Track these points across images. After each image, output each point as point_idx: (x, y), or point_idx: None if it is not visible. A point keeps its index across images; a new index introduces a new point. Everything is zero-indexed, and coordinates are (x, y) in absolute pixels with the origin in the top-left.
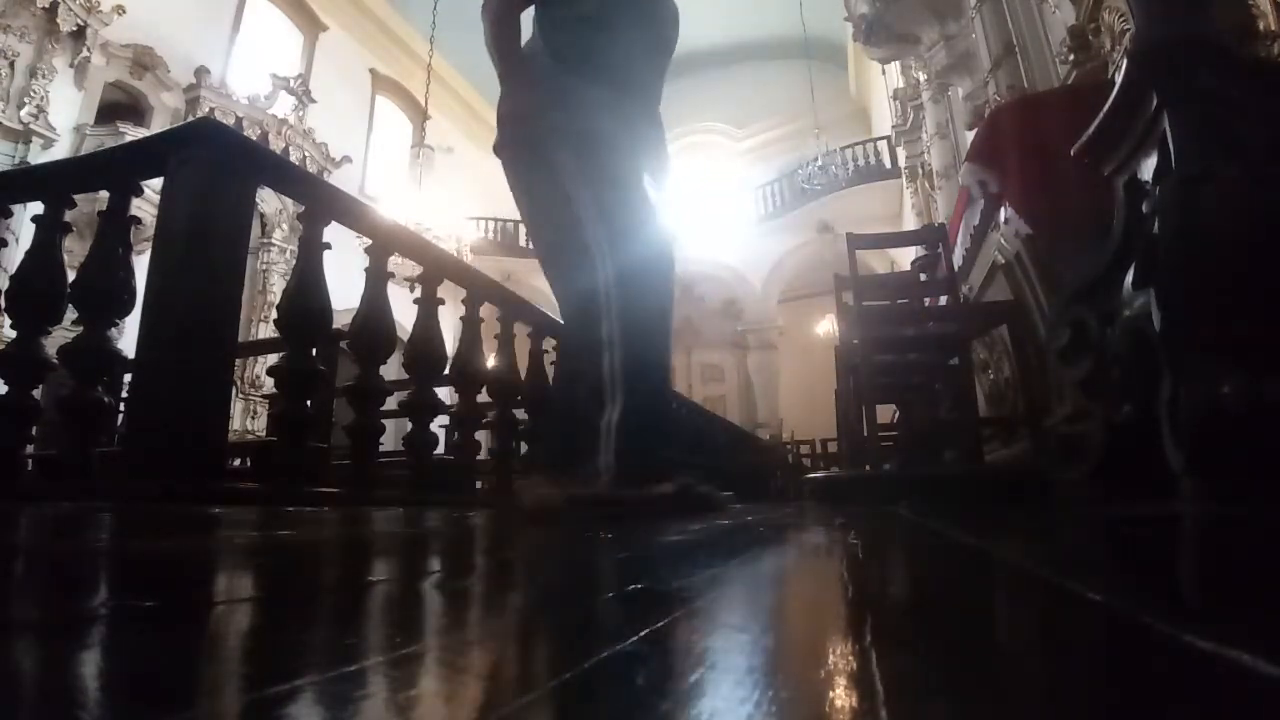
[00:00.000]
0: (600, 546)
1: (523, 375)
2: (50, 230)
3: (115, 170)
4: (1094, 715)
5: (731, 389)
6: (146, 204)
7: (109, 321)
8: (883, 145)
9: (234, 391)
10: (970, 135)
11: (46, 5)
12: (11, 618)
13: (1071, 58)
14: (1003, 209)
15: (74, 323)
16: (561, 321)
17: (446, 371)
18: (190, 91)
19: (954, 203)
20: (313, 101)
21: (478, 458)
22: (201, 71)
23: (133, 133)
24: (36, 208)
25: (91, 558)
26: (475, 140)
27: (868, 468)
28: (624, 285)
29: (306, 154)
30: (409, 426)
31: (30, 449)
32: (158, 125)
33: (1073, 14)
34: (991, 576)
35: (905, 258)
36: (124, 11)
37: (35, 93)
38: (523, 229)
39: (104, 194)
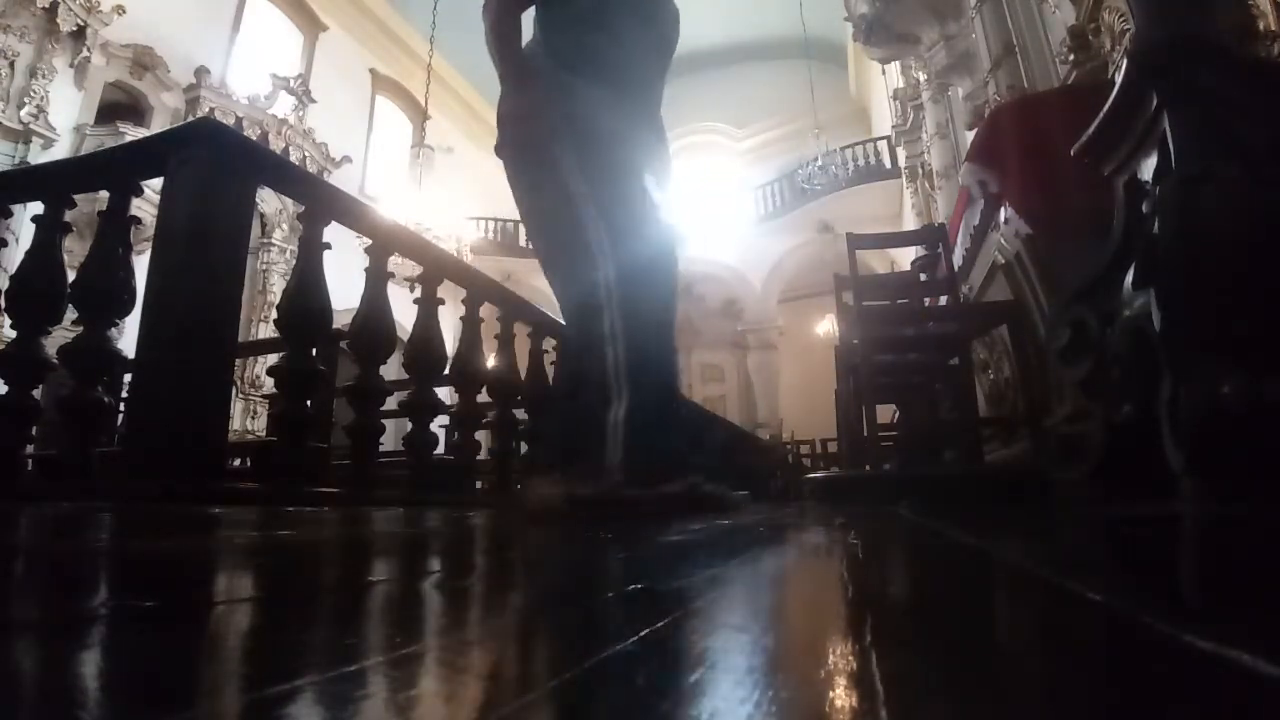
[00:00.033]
0: (600, 546)
1: (523, 375)
2: (50, 230)
3: (115, 170)
4: (1094, 715)
5: (731, 389)
6: (146, 204)
7: (109, 321)
8: (883, 145)
9: (234, 391)
10: (970, 135)
11: (46, 5)
12: (11, 618)
13: (1071, 58)
14: (1003, 209)
15: (74, 323)
16: (563, 322)
17: (446, 371)
18: (190, 91)
19: (954, 203)
20: (313, 101)
21: (478, 458)
22: (201, 71)
23: (133, 133)
24: (36, 208)
25: (91, 558)
26: (475, 140)
27: (868, 468)
28: (625, 280)
29: (306, 154)
30: (409, 426)
31: (30, 449)
32: (158, 125)
33: (1073, 14)
34: (991, 576)
35: (905, 258)
36: (124, 11)
37: (35, 93)
38: (523, 229)
39: (104, 194)
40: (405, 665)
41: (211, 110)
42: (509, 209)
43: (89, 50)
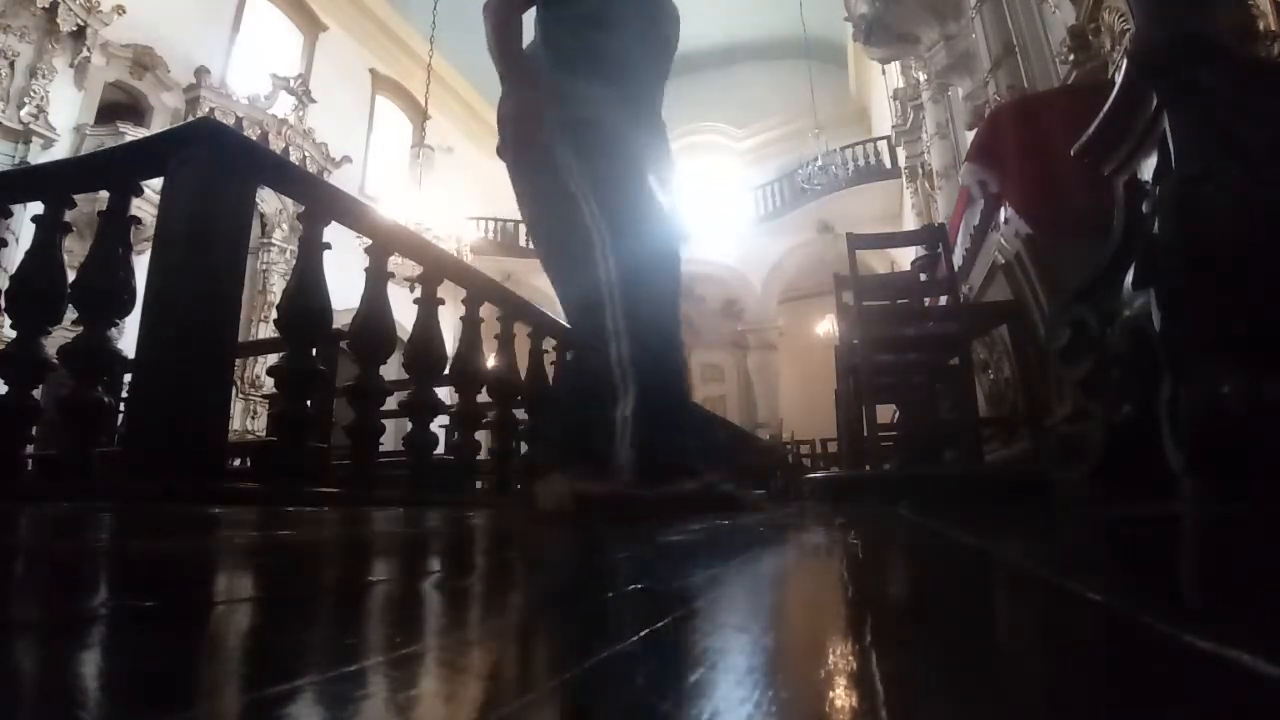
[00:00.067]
0: (600, 546)
1: (523, 375)
2: (50, 230)
3: (115, 170)
4: (1094, 715)
5: (731, 389)
6: (146, 204)
7: (109, 321)
8: (883, 145)
9: (234, 391)
10: (970, 135)
11: (46, 5)
12: (11, 618)
13: (1071, 58)
14: (1003, 209)
15: (74, 323)
16: (565, 321)
17: (446, 371)
18: (190, 91)
19: (954, 203)
20: (313, 101)
21: (478, 458)
22: (201, 71)
23: (133, 133)
24: (36, 208)
25: (91, 558)
26: (475, 140)
27: (868, 468)
28: (627, 278)
29: (306, 154)
30: (409, 426)
31: (30, 449)
32: (158, 125)
33: (1073, 14)
34: (991, 576)
35: (905, 258)
36: (124, 11)
37: (35, 93)
38: (523, 229)
39: (104, 194)
40: (405, 665)
41: (211, 110)
42: (509, 209)
43: (89, 50)
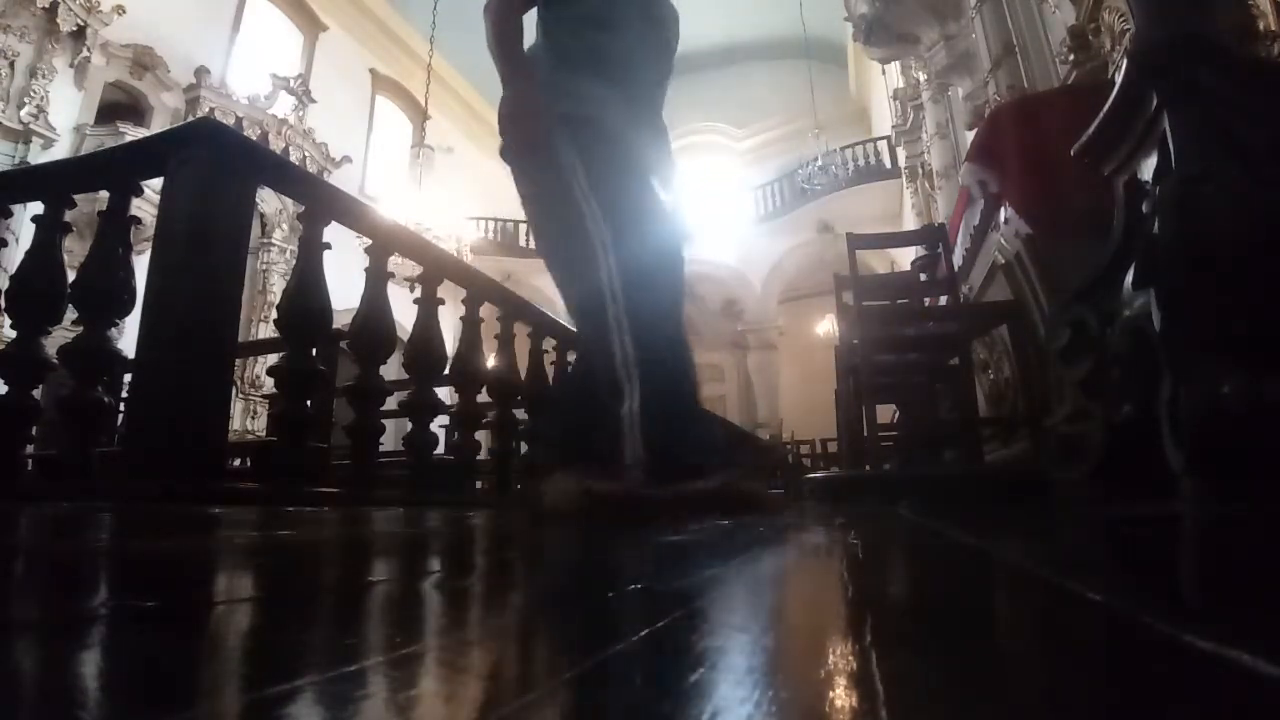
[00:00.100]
0: (600, 546)
1: (523, 375)
2: (50, 230)
3: (115, 170)
4: (1094, 715)
5: (731, 389)
6: (146, 204)
7: (109, 321)
8: (883, 145)
9: (234, 391)
10: (970, 135)
11: (46, 5)
12: (11, 618)
13: (1071, 58)
14: (1003, 209)
15: (74, 323)
16: (571, 321)
17: (446, 371)
18: (190, 91)
19: (954, 203)
20: (313, 101)
21: (478, 458)
22: (201, 71)
23: (133, 133)
24: (36, 208)
25: (91, 558)
26: (475, 140)
27: (868, 468)
28: (629, 276)
29: (306, 154)
30: (409, 426)
31: (30, 449)
32: (158, 125)
33: (1073, 14)
34: (991, 576)
35: (905, 258)
36: (124, 11)
37: (35, 93)
38: (523, 229)
39: (104, 194)
40: (405, 665)
41: (211, 110)
42: (509, 209)
43: (89, 50)
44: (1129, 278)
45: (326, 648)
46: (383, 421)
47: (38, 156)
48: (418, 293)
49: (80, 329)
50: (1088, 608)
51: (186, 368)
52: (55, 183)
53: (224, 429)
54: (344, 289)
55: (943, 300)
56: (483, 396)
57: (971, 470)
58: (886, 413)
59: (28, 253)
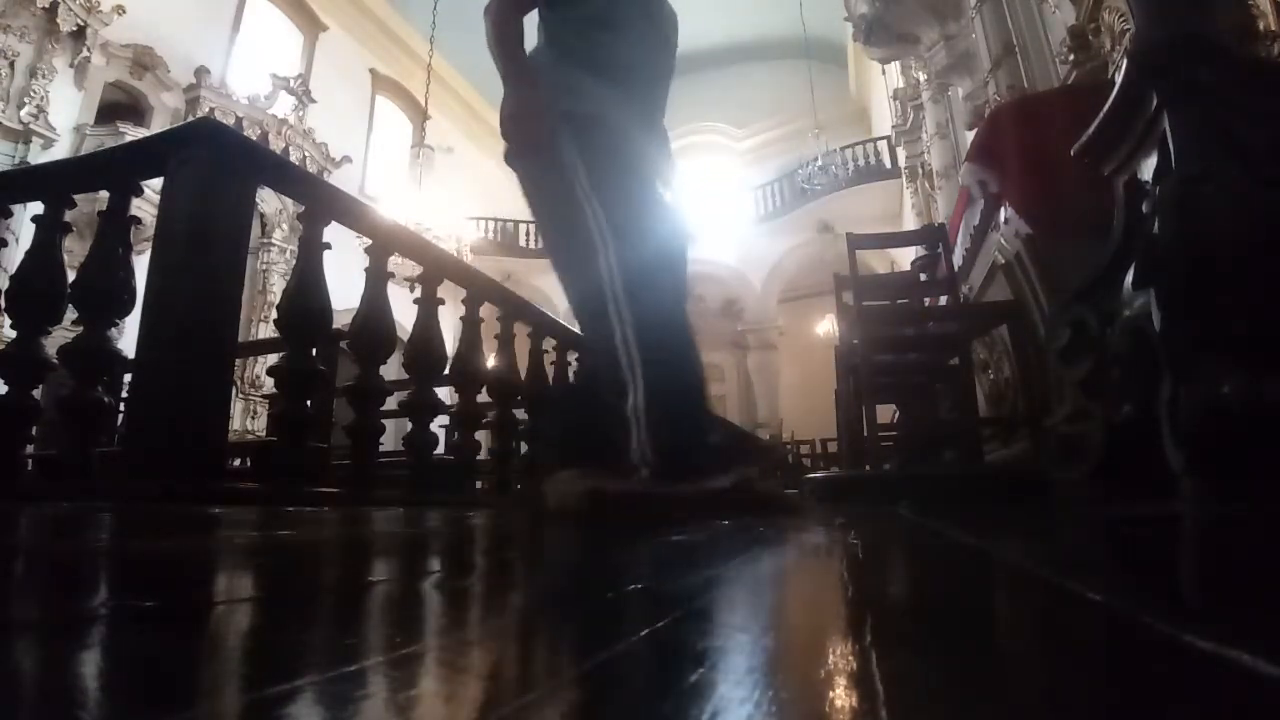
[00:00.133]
0: (600, 547)
1: (523, 375)
2: (50, 230)
3: (115, 170)
4: (1094, 715)
5: (731, 389)
6: (146, 204)
7: (109, 321)
8: (883, 145)
9: (234, 391)
10: (970, 135)
11: (46, 5)
12: (11, 618)
13: (1071, 58)
14: (1003, 209)
15: (74, 323)
16: (564, 322)
17: (446, 371)
18: (190, 91)
19: (954, 203)
20: (313, 101)
21: (478, 458)
22: (201, 71)
23: (133, 133)
24: (36, 208)
25: (91, 558)
26: (475, 140)
27: (868, 468)
28: (631, 274)
29: (306, 154)
30: (409, 426)
31: (30, 449)
32: (158, 125)
33: (1073, 14)
34: (991, 576)
35: (905, 258)
36: (124, 11)
37: (35, 93)
38: (523, 229)
39: (104, 194)
40: (405, 665)
41: (211, 110)
42: (509, 209)
43: (89, 50)
44: (1129, 278)
45: (326, 648)
46: (383, 421)
47: (38, 156)
48: (418, 293)
49: (80, 329)
50: (1088, 608)
51: (186, 368)
52: (55, 183)
53: (224, 429)
54: (344, 289)
55: (943, 300)
56: (483, 396)
57: (971, 470)
58: (886, 413)
59: (28, 253)
